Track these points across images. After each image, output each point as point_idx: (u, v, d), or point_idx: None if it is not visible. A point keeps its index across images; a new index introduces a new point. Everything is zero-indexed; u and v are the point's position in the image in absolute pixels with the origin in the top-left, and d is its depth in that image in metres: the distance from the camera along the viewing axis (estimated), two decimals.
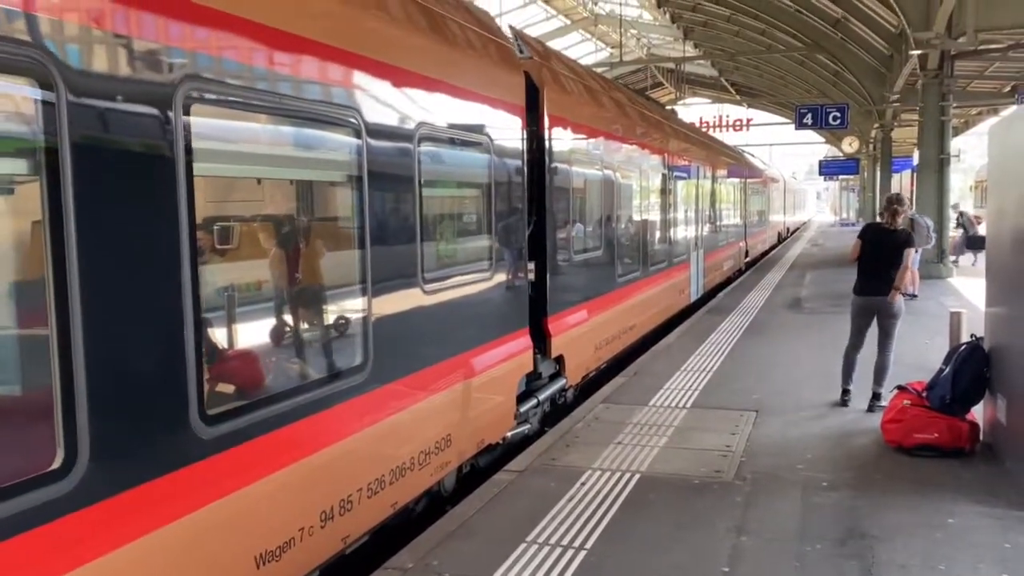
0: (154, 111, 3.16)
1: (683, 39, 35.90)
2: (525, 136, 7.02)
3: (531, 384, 7.39)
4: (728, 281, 20.59)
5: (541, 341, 7.46)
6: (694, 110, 47.99)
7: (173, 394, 3.30)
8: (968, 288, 16.21)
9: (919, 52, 16.18)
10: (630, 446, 6.61)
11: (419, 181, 5.17)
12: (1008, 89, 27.67)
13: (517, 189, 6.91)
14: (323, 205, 4.81)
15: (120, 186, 3.06)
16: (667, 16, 33.47)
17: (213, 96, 3.54)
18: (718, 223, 18.87)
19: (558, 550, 4.68)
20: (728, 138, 35.48)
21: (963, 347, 6.55)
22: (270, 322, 4.21)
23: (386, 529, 5.04)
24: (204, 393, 3.45)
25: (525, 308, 7.13)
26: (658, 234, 12.69)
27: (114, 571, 3.00)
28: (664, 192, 12.98)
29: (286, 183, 4.46)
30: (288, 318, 4.38)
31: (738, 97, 47.79)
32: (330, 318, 4.68)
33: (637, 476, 5.88)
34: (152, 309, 3.25)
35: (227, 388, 3.78)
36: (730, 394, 8.33)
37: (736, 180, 22.70)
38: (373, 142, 4.64)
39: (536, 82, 7.33)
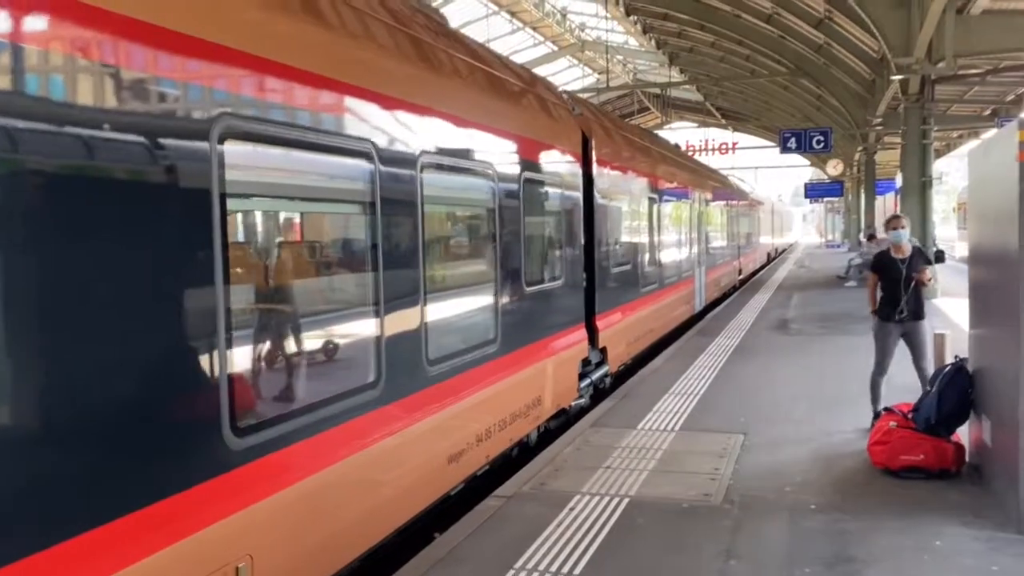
0: (409, 172, 5.30)
1: (669, 64, 36.29)
2: (581, 176, 9.13)
3: (584, 368, 9.23)
4: (725, 296, 22.21)
5: (590, 335, 9.39)
6: (680, 134, 48.36)
7: (416, 348, 5.36)
8: (952, 309, 16.33)
9: (900, 77, 16.40)
10: (619, 470, 6.61)
11: (522, 211, 7.32)
12: (988, 112, 28.09)
13: (578, 216, 9.07)
14: (478, 229, 6.85)
15: (397, 217, 5.16)
16: (653, 42, 33.85)
17: (434, 162, 5.67)
18: (717, 244, 21.01)
19: None
20: (714, 161, 35.85)
21: (947, 368, 6.59)
22: (459, 302, 6.32)
23: (378, 553, 5.03)
24: (428, 347, 5.48)
25: (582, 306, 9.16)
26: (670, 253, 14.67)
27: (392, 447, 4.99)
28: (675, 217, 15.24)
29: (461, 212, 6.67)
30: (463, 302, 6.47)
31: (723, 121, 48.27)
32: (483, 304, 6.71)
33: (626, 500, 5.88)
34: (410, 295, 5.30)
35: (438, 345, 5.66)
36: (718, 416, 8.35)
37: (731, 205, 24.74)
38: (498, 185, 6.80)
39: (586, 133, 9.41)
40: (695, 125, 51.49)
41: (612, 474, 6.51)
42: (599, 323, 9.64)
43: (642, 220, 12.51)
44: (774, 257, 44.70)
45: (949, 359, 6.95)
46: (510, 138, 7.16)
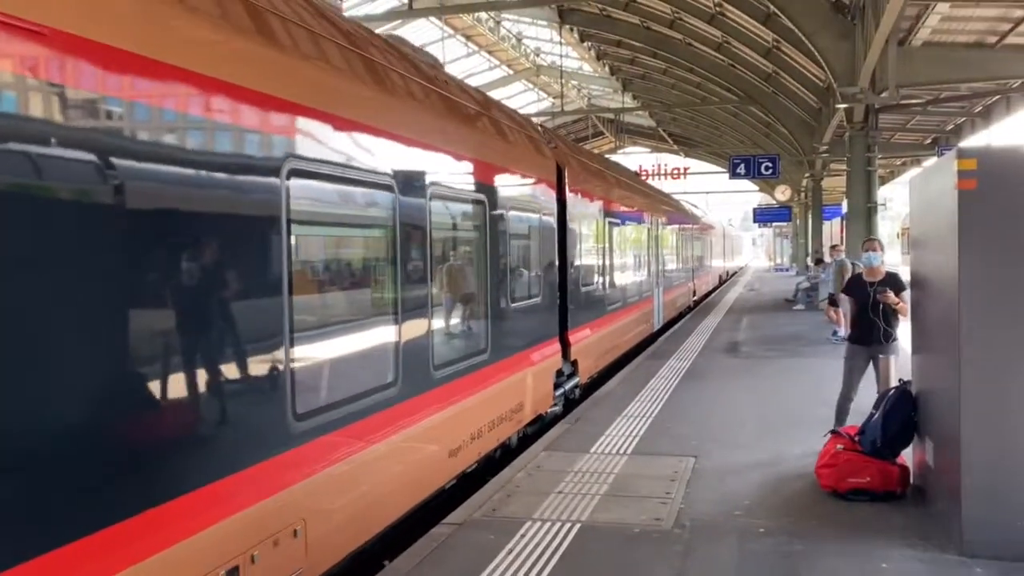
0: (420, 201, 6.12)
1: (622, 90, 36.82)
2: (556, 204, 10.04)
3: (557, 379, 10.01)
4: (681, 315, 23.25)
5: (563, 349, 10.27)
6: (633, 159, 48.98)
7: (424, 355, 6.14)
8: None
9: (845, 106, 16.85)
10: (571, 495, 6.57)
11: (508, 235, 8.18)
12: (929, 141, 28.97)
13: (553, 240, 9.98)
14: (473, 250, 7.60)
15: (411, 240, 5.97)
16: (606, 68, 34.34)
17: (440, 192, 6.52)
18: (673, 267, 22.24)
19: None
20: (666, 185, 36.38)
21: (892, 392, 6.71)
22: (457, 315, 7.22)
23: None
24: (434, 355, 6.27)
25: (556, 322, 10.04)
26: (631, 274, 15.78)
27: (405, 438, 5.74)
28: (636, 241, 16.46)
29: (460, 236, 7.37)
30: (461, 315, 7.34)
31: (675, 147, 49.07)
32: (477, 317, 7.53)
33: (578, 526, 5.84)
34: (420, 307, 6.11)
35: (441, 353, 6.44)
36: (670, 440, 8.38)
37: (686, 230, 25.96)
38: (490, 212, 7.66)
39: (560, 164, 10.33)
40: (648, 150, 52.26)
41: (564, 499, 6.47)
42: (571, 338, 10.52)
43: (608, 244, 13.42)
44: (725, 280, 45.44)
45: (894, 382, 7.08)
46: (500, 171, 8.06)
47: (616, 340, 13.78)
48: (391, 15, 22.23)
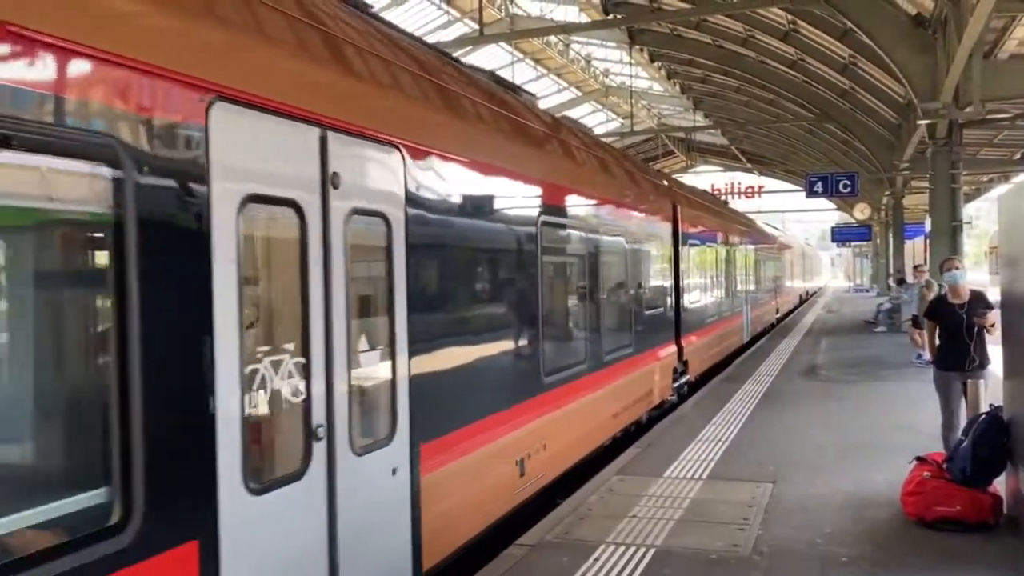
0: (596, 237, 8.75)
1: (693, 109, 36.51)
2: (672, 234, 12.64)
3: (673, 375, 12.26)
4: (765, 331, 24.58)
5: (677, 351, 12.63)
6: (705, 177, 48.43)
7: (599, 344, 8.75)
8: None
9: (927, 122, 16.32)
10: (645, 519, 6.50)
11: (642, 260, 10.76)
12: (1018, 156, 27.81)
13: (671, 263, 12.66)
14: (626, 270, 9.99)
15: (594, 266, 8.72)
16: (677, 87, 34.11)
17: (609, 230, 9.39)
18: (759, 287, 24.44)
19: None
20: (740, 204, 35.86)
21: (982, 417, 6.44)
22: (615, 318, 9.66)
23: None
24: (604, 344, 8.88)
25: (673, 329, 12.57)
26: (725, 292, 18.15)
27: (592, 399, 8.36)
28: (730, 263, 18.92)
29: (618, 260, 9.81)
30: (617, 318, 9.74)
31: (749, 165, 48.29)
32: (627, 320, 10.04)
33: (652, 551, 5.77)
34: (596, 312, 8.83)
35: (606, 343, 8.99)
36: (747, 465, 8.21)
37: (770, 253, 28.28)
38: (636, 244, 10.40)
39: (674, 202, 12.96)
40: (720, 168, 51.57)
41: (638, 523, 6.40)
42: (684, 342, 12.92)
43: (708, 265, 16.16)
44: (805, 299, 44.52)
45: (984, 407, 6.79)
46: (644, 213, 10.94)
47: (715, 347, 16.18)
48: (462, 41, 22.58)
